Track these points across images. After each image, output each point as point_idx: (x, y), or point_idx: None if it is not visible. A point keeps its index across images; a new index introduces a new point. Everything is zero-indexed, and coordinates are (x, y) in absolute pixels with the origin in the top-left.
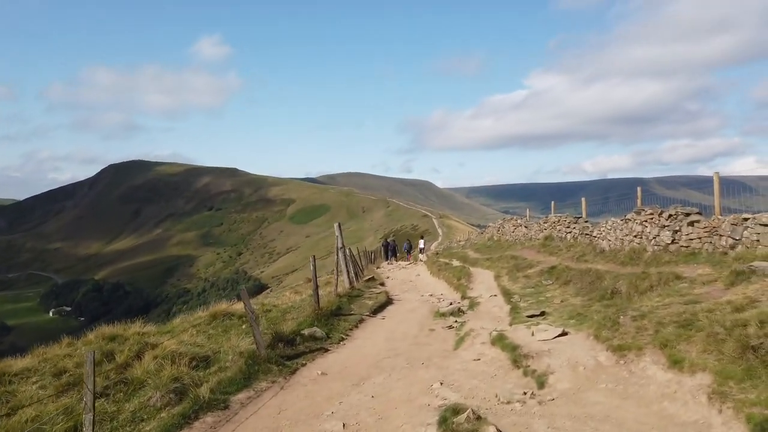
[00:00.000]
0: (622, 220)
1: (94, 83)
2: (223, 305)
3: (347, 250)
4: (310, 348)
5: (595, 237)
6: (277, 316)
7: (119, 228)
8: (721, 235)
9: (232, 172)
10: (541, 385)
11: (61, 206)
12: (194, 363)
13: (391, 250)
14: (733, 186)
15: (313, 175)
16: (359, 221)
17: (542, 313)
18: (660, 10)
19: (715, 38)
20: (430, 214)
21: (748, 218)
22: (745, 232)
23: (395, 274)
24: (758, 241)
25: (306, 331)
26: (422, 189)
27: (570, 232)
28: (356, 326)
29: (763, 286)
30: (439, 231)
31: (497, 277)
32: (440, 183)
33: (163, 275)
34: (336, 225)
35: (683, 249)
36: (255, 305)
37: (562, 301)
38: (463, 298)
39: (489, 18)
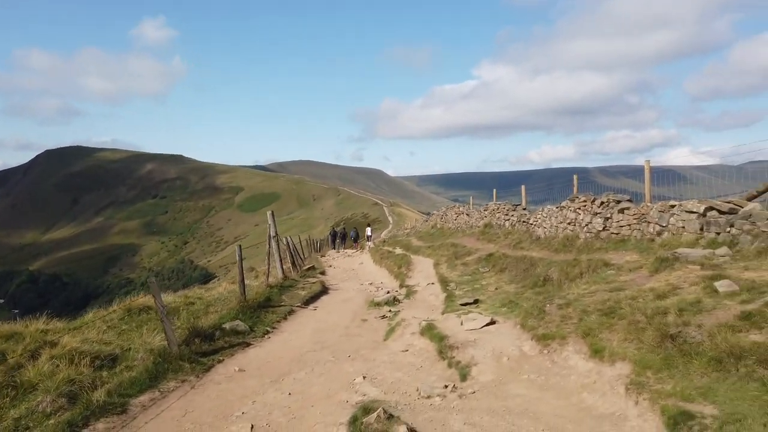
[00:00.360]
0: (557, 207)
1: (28, 67)
2: (141, 298)
3: (286, 239)
4: (231, 343)
5: (531, 224)
6: (200, 309)
7: (56, 217)
8: (649, 222)
9: (178, 160)
10: (464, 377)
11: None
12: (98, 362)
13: (340, 238)
14: (668, 175)
15: (263, 162)
16: (310, 209)
17: (476, 301)
18: (602, 6)
19: (654, 34)
20: (380, 203)
21: (675, 205)
22: (672, 218)
23: (339, 263)
24: (683, 227)
25: (227, 325)
26: (373, 177)
27: (508, 220)
28: (285, 318)
29: (685, 273)
30: (390, 219)
31: (436, 265)
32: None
33: (104, 265)
34: (269, 213)
35: (614, 236)
36: (180, 297)
37: (496, 289)
38: (401, 286)
39: (439, 9)
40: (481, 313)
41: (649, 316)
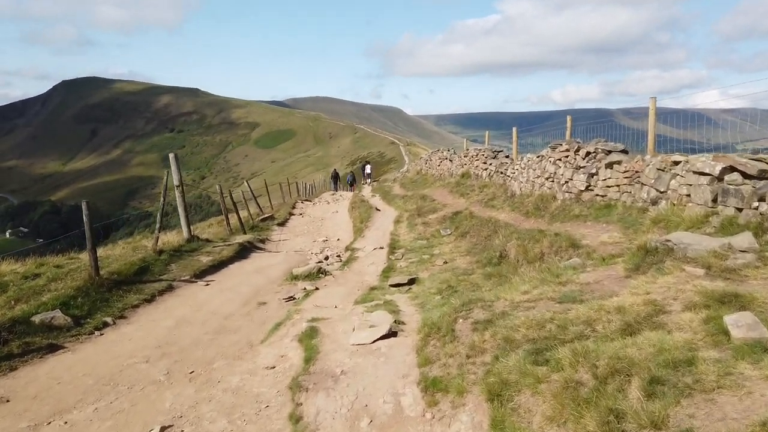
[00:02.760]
0: (537, 156)
1: None
2: None
3: (250, 187)
4: (29, 347)
5: (509, 177)
6: (40, 286)
7: (76, 148)
8: (643, 184)
9: (194, 93)
10: None
11: (12, 124)
12: None
13: (348, 182)
14: (695, 118)
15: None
16: (326, 147)
17: (411, 282)
18: None
19: None
20: (397, 142)
21: (679, 161)
22: (673, 181)
23: (313, 210)
24: (688, 195)
25: (39, 317)
26: (391, 116)
27: (486, 169)
28: (149, 301)
29: (679, 281)
30: (406, 158)
31: (396, 222)
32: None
33: (124, 197)
34: (171, 156)
35: (599, 199)
36: (44, 263)
37: (445, 262)
38: (347, 249)
39: None
40: (394, 310)
41: (600, 378)
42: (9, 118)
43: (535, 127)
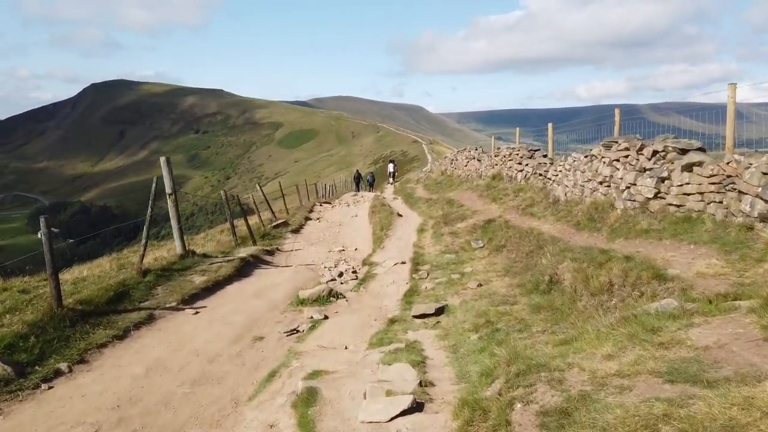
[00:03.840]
0: (585, 156)
1: None
2: None
3: (262, 191)
4: None
5: (550, 179)
6: None
7: (105, 149)
8: (742, 193)
9: (218, 94)
10: None
11: (43, 127)
12: None
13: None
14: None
15: (303, 98)
16: (349, 146)
17: (440, 312)
18: None
19: None
20: (420, 140)
21: None
22: None
23: (332, 214)
24: None
25: None
26: (414, 114)
27: (522, 171)
28: (119, 338)
29: None
30: (429, 157)
31: (420, 231)
32: (432, 108)
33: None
34: (162, 160)
35: (673, 210)
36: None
37: (480, 285)
38: (364, 263)
39: None
40: (420, 360)
41: None
42: (40, 120)
43: (561, 124)
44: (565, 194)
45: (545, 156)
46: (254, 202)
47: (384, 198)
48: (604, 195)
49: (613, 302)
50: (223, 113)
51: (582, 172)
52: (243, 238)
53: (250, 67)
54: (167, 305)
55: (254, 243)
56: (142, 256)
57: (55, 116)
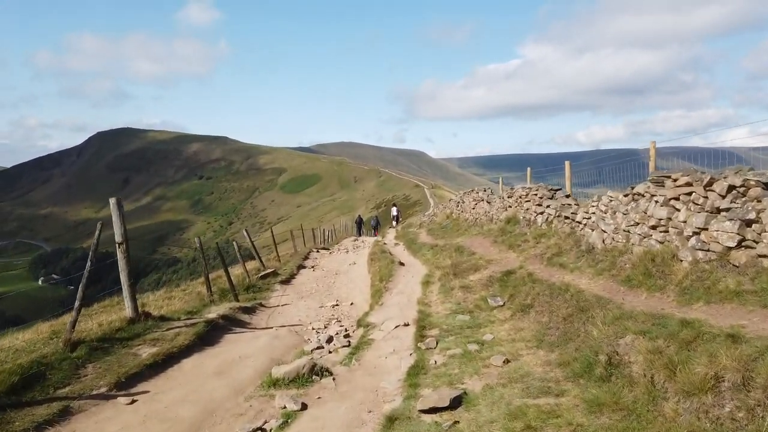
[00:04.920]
0: (626, 195)
1: (80, 50)
2: None
3: (249, 237)
4: None
5: (579, 223)
6: None
7: (109, 195)
8: None
9: (222, 140)
10: None
11: (48, 174)
12: None
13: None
14: (725, 157)
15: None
16: (351, 191)
17: (456, 404)
18: None
19: (704, 9)
20: (422, 184)
21: None
22: None
23: (328, 261)
24: None
25: None
26: (415, 159)
27: (542, 213)
28: None
29: None
30: (431, 201)
31: (426, 284)
32: (434, 153)
33: (153, 243)
34: (113, 203)
35: (765, 262)
36: None
37: (507, 361)
38: (359, 324)
39: None
40: None
41: None
42: (46, 168)
43: (559, 169)
44: (603, 241)
45: (567, 196)
46: (253, 247)
47: (385, 244)
48: (661, 243)
49: (728, 410)
50: (226, 159)
51: (624, 214)
52: (224, 292)
53: (254, 115)
54: (94, 392)
55: (236, 297)
56: (73, 324)
57: (61, 164)
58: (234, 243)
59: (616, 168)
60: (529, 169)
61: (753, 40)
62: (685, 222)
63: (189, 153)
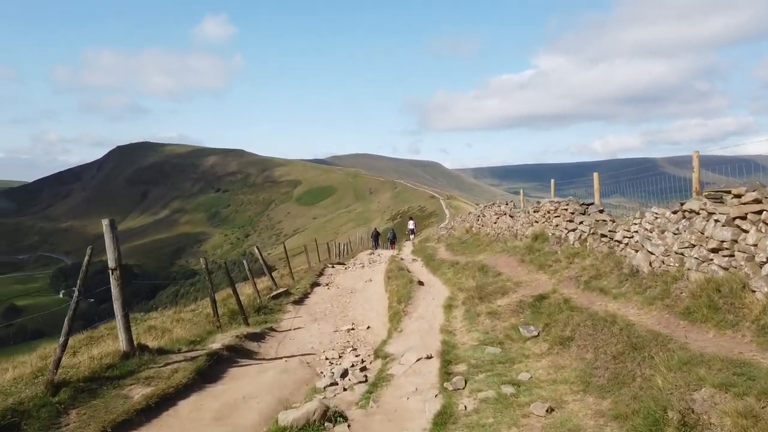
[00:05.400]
0: (675, 212)
1: (98, 66)
2: None
3: (259, 253)
4: None
5: (618, 243)
6: None
7: (128, 209)
8: None
9: (238, 154)
10: None
11: (69, 188)
12: None
13: (389, 239)
14: (746, 165)
15: (321, 156)
16: (366, 203)
17: None
18: None
19: (718, 17)
20: (437, 195)
21: None
22: None
23: (343, 278)
24: None
25: None
26: (430, 170)
27: (574, 230)
28: None
29: None
30: (447, 212)
31: (448, 308)
32: (448, 164)
33: (171, 256)
34: (105, 225)
35: None
36: None
37: (549, 411)
38: (377, 354)
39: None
40: None
41: None
42: (67, 182)
43: (576, 179)
44: (650, 264)
45: (601, 211)
46: (265, 264)
47: (402, 259)
48: (725, 269)
49: None
50: (243, 172)
51: (675, 234)
52: (233, 314)
53: (269, 128)
54: None
55: (246, 320)
56: (56, 364)
57: (81, 178)
58: (244, 262)
59: (636, 178)
60: (552, 181)
61: (765, 48)
62: (756, 246)
63: (206, 166)
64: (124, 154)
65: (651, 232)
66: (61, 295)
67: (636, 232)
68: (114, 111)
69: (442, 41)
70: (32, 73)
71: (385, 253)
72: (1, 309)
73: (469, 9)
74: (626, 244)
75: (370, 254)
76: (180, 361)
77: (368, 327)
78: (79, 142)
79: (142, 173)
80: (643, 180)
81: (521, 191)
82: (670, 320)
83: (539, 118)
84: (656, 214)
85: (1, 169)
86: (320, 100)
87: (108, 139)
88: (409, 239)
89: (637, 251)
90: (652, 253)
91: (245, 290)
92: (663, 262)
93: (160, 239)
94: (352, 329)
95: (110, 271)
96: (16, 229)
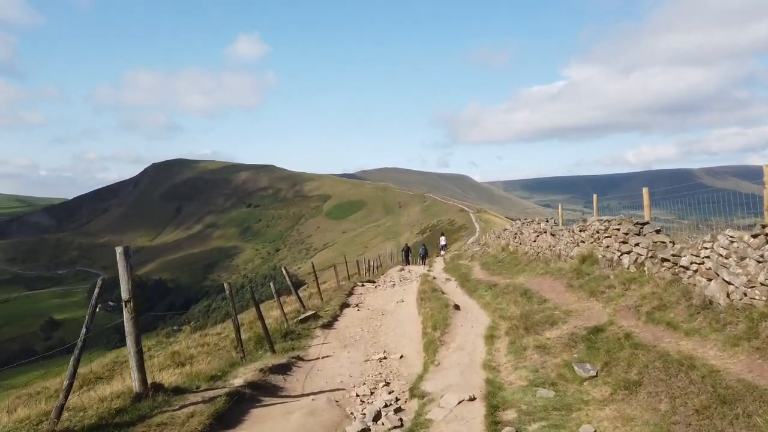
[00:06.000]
0: (756, 236)
1: (137, 86)
2: None
3: (287, 273)
4: None
5: (685, 269)
6: None
7: (163, 224)
8: None
9: (269, 169)
10: None
11: (107, 205)
12: None
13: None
14: None
15: (351, 170)
16: (395, 216)
17: None
18: None
19: (757, 23)
20: (467, 209)
21: None
22: None
23: (373, 298)
24: None
25: None
26: (459, 183)
27: (628, 252)
28: None
29: None
30: (477, 226)
31: (490, 338)
32: (478, 177)
33: (203, 271)
34: (119, 252)
35: None
36: None
37: None
38: (413, 393)
39: (516, 8)
40: None
41: None
42: (105, 199)
43: (609, 191)
44: (728, 296)
45: (659, 231)
46: (293, 286)
47: (434, 278)
48: None
49: None
50: (273, 187)
51: (759, 262)
52: (260, 339)
53: (300, 143)
54: None
55: (272, 347)
56: (59, 412)
57: (119, 194)
58: (271, 285)
59: (672, 190)
60: (595, 196)
61: None
62: None
63: (238, 182)
64: (160, 170)
65: (727, 258)
66: (97, 310)
67: (707, 257)
68: (151, 129)
69: (473, 53)
70: (74, 93)
71: (416, 270)
72: (41, 322)
73: (501, 21)
74: (695, 271)
75: (401, 270)
76: (197, 402)
77: (401, 356)
78: (117, 160)
79: (176, 189)
80: (685, 196)
81: (559, 206)
82: (764, 367)
83: (571, 129)
84: (732, 237)
85: (44, 187)
86: (350, 115)
87: (144, 157)
88: (440, 255)
89: (710, 280)
90: (730, 283)
91: (272, 313)
92: (745, 294)
93: (193, 254)
94: (384, 358)
95: (123, 304)
96: (57, 244)
